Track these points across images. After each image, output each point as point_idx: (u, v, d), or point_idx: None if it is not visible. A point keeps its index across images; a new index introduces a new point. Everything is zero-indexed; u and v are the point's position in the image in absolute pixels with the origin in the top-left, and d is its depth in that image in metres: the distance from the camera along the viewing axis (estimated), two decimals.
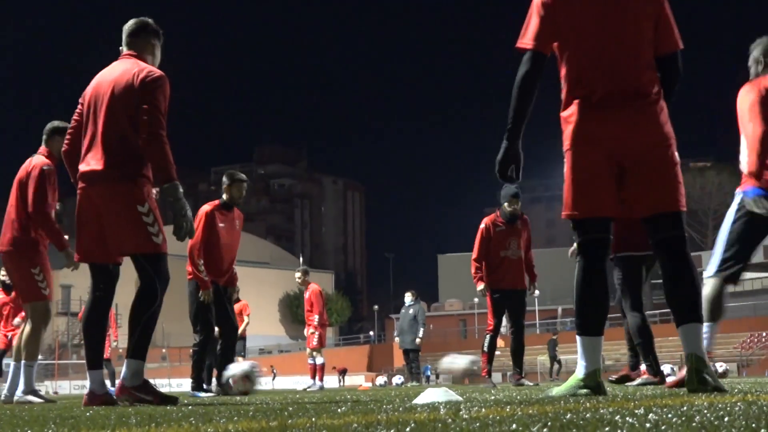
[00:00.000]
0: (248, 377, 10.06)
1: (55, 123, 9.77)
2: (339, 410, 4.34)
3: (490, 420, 3.05)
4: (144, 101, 6.51)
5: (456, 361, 12.83)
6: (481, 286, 13.19)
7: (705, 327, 7.51)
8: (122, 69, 6.72)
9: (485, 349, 13.26)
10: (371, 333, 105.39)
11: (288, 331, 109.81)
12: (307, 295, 19.73)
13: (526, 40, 5.41)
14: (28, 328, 9.65)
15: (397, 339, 23.79)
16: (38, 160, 9.56)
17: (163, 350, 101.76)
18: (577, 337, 5.43)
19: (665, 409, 3.35)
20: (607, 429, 2.52)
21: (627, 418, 2.89)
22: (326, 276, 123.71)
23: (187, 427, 3.23)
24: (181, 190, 6.59)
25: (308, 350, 20.34)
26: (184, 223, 6.58)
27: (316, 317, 19.73)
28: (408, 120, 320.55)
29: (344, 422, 3.21)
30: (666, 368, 23.58)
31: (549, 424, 2.75)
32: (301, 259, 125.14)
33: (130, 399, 6.45)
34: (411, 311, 23.06)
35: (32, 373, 9.71)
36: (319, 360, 20.20)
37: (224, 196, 11.71)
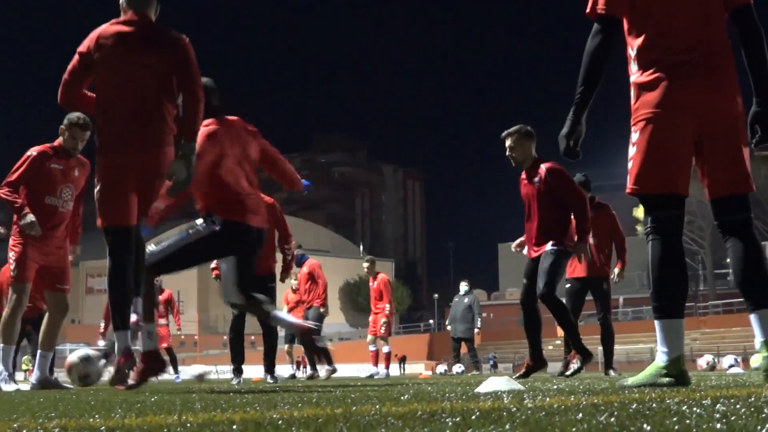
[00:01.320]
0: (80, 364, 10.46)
1: (74, 116, 9.77)
2: (402, 398, 4.35)
3: (555, 409, 3.04)
4: (184, 66, 6.55)
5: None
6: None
7: None
8: (148, 30, 6.65)
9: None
10: (431, 321, 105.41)
11: (348, 319, 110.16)
12: (374, 284, 19.85)
13: (599, 5, 5.20)
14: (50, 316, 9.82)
15: (449, 327, 23.75)
16: (36, 147, 9.66)
17: (224, 337, 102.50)
18: (657, 322, 5.15)
19: (732, 400, 3.31)
20: (675, 419, 2.49)
21: (695, 409, 2.86)
22: (386, 264, 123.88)
23: (253, 414, 3.24)
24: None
25: (370, 337, 20.40)
26: (190, 177, 6.50)
27: (387, 306, 19.86)
28: (469, 108, 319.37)
29: (409, 410, 3.21)
30: (729, 359, 23.41)
31: (615, 413, 2.73)
32: (361, 247, 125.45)
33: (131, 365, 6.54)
34: (466, 300, 23.02)
35: (9, 356, 9.74)
36: (387, 348, 20.30)
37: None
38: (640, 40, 5.19)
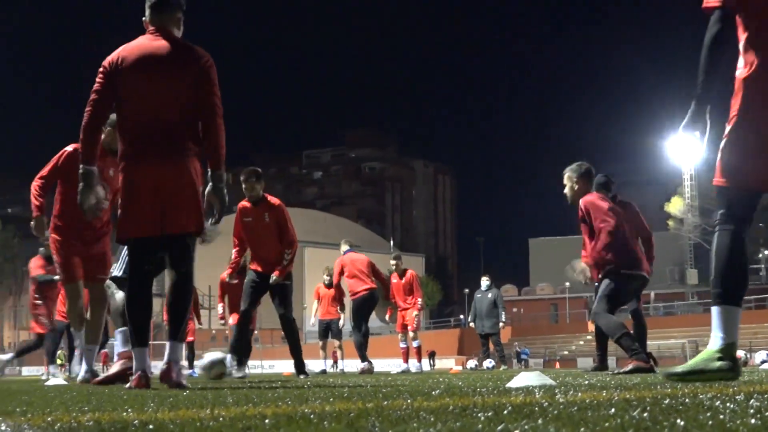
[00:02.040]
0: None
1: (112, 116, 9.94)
2: (434, 393, 4.35)
3: (588, 404, 3.03)
4: (206, 83, 6.55)
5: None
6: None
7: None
8: (169, 46, 6.63)
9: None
10: (461, 317, 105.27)
11: (377, 314, 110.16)
12: (403, 280, 19.85)
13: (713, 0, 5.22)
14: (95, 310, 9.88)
15: (472, 323, 23.70)
16: (74, 144, 9.72)
17: (255, 332, 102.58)
18: (714, 308, 5.14)
19: (766, 396, 3.29)
20: (708, 414, 2.48)
21: (728, 404, 2.84)
22: (417, 260, 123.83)
23: (285, 408, 3.25)
24: (225, 178, 6.64)
25: (401, 334, 20.42)
26: (223, 207, 6.63)
27: (420, 300, 19.93)
28: (499, 103, 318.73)
29: (440, 404, 3.21)
30: (762, 355, 23.28)
31: (648, 409, 2.72)
32: (391, 242, 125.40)
33: (177, 382, 6.49)
34: (490, 295, 22.99)
35: (92, 356, 9.86)
36: (417, 342, 20.34)
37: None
38: (746, 35, 5.18)
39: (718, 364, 5.06)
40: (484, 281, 23.31)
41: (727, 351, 5.08)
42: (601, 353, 13.13)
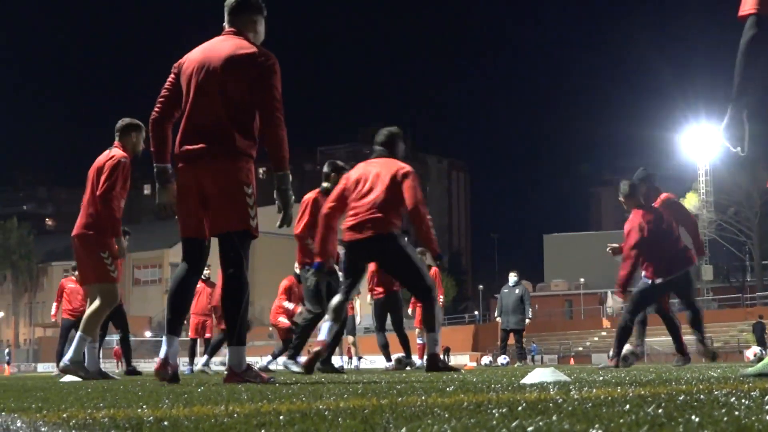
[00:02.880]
0: None
1: (127, 120, 10.23)
2: (448, 389, 4.34)
3: (602, 400, 3.03)
4: (264, 86, 6.48)
5: None
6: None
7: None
8: (233, 45, 6.63)
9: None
10: (476, 313, 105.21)
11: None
12: None
13: (748, 6, 5.23)
14: (93, 306, 9.97)
15: (498, 318, 23.63)
16: (117, 152, 9.99)
17: (271, 328, 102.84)
18: None
19: None
20: (723, 410, 2.47)
21: (743, 401, 2.84)
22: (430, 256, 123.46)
23: (299, 404, 3.26)
24: (290, 179, 6.61)
25: (418, 329, 20.42)
26: (290, 212, 6.62)
27: (442, 297, 19.98)
28: (514, 99, 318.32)
29: (455, 401, 3.21)
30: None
31: (663, 405, 2.71)
32: (405, 239, 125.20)
33: (239, 383, 6.47)
34: (517, 291, 22.92)
35: (82, 347, 9.98)
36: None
37: (325, 184, 12.01)
38: None
39: None
40: (512, 277, 23.26)
41: None
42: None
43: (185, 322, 7.32)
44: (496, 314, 24.08)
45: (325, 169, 12.11)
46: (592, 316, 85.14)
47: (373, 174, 9.52)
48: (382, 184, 9.39)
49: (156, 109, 6.81)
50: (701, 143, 75.58)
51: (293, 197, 6.63)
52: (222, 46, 6.68)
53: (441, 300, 19.83)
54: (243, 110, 6.54)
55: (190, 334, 20.86)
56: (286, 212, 6.60)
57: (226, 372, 6.63)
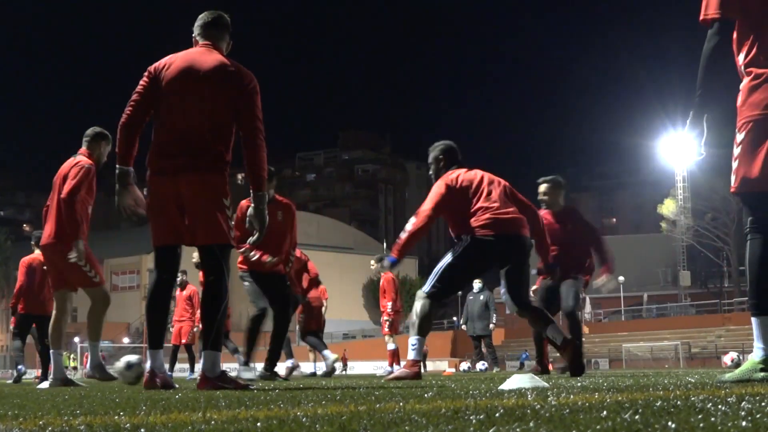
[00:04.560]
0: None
1: (98, 129, 10.18)
2: (426, 395, 4.35)
3: (580, 406, 3.03)
4: (248, 105, 6.56)
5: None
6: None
7: (414, 339, 8.96)
8: (218, 60, 6.67)
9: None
10: (455, 319, 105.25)
11: (372, 317, 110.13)
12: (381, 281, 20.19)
13: (711, 10, 5.27)
14: (55, 315, 10.04)
15: (464, 326, 23.81)
16: (83, 158, 9.97)
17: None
18: (754, 319, 5.20)
19: (758, 398, 3.30)
20: (700, 417, 2.48)
21: (720, 406, 2.85)
22: (410, 261, 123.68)
23: (276, 411, 3.25)
24: (267, 198, 6.72)
25: (387, 336, 20.53)
26: (264, 231, 6.69)
27: (389, 303, 20.11)
28: (492, 105, 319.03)
29: (433, 407, 3.21)
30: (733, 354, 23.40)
31: (640, 411, 2.72)
32: (384, 244, 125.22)
33: (213, 389, 6.50)
34: (482, 297, 23.05)
35: (96, 353, 10.12)
36: (392, 345, 20.38)
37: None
38: (748, 44, 5.24)
39: (761, 375, 5.11)
40: (476, 284, 23.36)
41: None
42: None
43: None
44: (461, 321, 24.25)
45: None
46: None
47: (487, 179, 9.42)
48: (501, 190, 9.36)
49: (127, 112, 6.75)
50: (679, 150, 75.90)
51: (267, 217, 6.71)
52: (206, 58, 6.69)
53: (389, 306, 19.98)
54: (224, 124, 6.58)
55: (171, 340, 20.83)
56: (261, 231, 6.69)
57: (198, 378, 6.66)
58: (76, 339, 68.53)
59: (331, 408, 3.32)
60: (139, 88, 6.77)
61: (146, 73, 6.79)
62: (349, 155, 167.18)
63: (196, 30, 6.95)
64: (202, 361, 6.69)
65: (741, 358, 25.93)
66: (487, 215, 8.98)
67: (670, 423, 2.31)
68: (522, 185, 10.50)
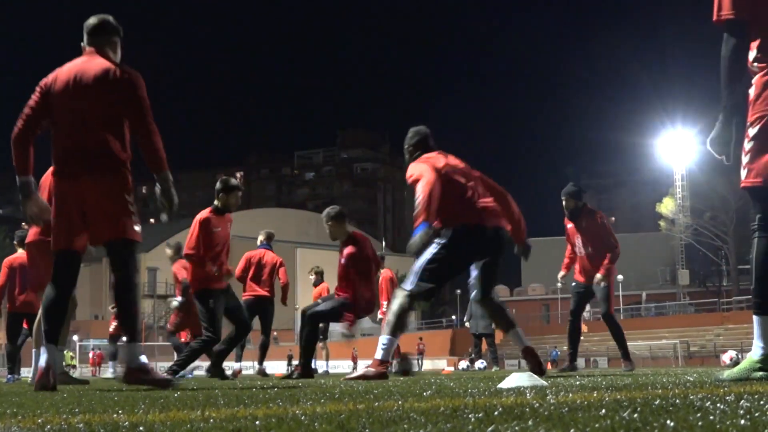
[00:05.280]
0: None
1: None
2: (425, 394, 4.35)
3: (578, 405, 3.03)
4: (132, 99, 6.79)
5: None
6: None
7: (385, 339, 8.50)
8: (100, 65, 6.89)
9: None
10: (453, 317, 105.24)
11: (370, 315, 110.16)
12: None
13: (725, 11, 5.23)
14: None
15: (467, 324, 23.76)
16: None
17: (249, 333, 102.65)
18: (756, 318, 5.18)
19: (756, 396, 3.29)
20: (698, 415, 2.48)
21: (718, 405, 2.85)
22: (409, 260, 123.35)
23: (275, 409, 3.25)
24: (171, 178, 6.88)
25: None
26: (173, 206, 6.90)
27: (385, 303, 20.22)
28: (491, 104, 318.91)
29: (431, 406, 3.21)
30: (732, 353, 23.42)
31: (639, 409, 2.72)
32: (383, 243, 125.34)
33: (133, 380, 6.70)
34: None
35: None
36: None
37: (217, 203, 11.69)
38: (761, 39, 5.21)
39: (759, 374, 5.11)
40: None
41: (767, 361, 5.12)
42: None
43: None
44: (465, 319, 24.18)
45: (217, 186, 11.74)
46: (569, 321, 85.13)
47: (466, 165, 9.17)
48: (480, 177, 9.13)
49: (18, 125, 7.00)
50: (678, 148, 75.94)
51: (176, 195, 6.93)
52: (89, 65, 6.94)
53: (384, 305, 20.10)
54: (115, 124, 6.85)
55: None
56: (170, 210, 6.92)
57: (124, 370, 6.89)
58: (75, 337, 68.60)
59: (330, 406, 3.32)
60: (30, 102, 7.06)
61: (37, 89, 7.08)
62: (348, 154, 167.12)
63: (84, 37, 7.19)
64: (127, 353, 6.88)
65: (740, 356, 25.92)
66: (473, 204, 8.66)
67: (668, 421, 2.30)
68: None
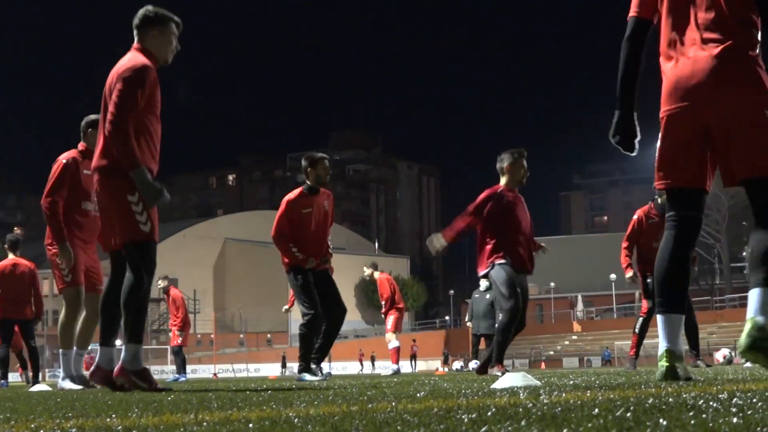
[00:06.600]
0: None
1: (91, 117, 9.68)
2: (418, 395, 4.35)
3: (572, 405, 3.03)
4: (113, 93, 6.75)
5: None
6: (629, 273, 14.21)
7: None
8: (122, 61, 6.94)
9: (636, 331, 14.09)
10: (447, 318, 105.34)
11: (364, 317, 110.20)
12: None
13: (631, 9, 5.33)
14: (65, 314, 9.78)
15: (469, 323, 23.75)
16: (66, 154, 9.71)
17: (241, 335, 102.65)
18: (658, 316, 5.23)
19: (749, 394, 3.30)
20: (691, 414, 2.49)
21: (711, 403, 2.85)
22: (402, 261, 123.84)
23: (269, 412, 3.25)
24: (147, 174, 6.70)
25: (387, 335, 20.63)
26: (160, 198, 6.75)
27: (383, 303, 20.36)
28: (484, 104, 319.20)
29: (425, 407, 3.21)
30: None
31: (632, 409, 2.72)
32: (376, 244, 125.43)
33: (127, 382, 6.67)
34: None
35: (69, 361, 9.78)
36: (395, 343, 20.38)
37: (308, 182, 11.29)
38: (665, 36, 5.26)
39: (659, 372, 5.20)
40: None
41: (669, 357, 5.17)
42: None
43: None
44: (466, 319, 24.18)
45: (303, 164, 11.41)
46: (562, 320, 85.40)
47: None
48: None
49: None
50: None
51: (156, 187, 6.74)
52: (121, 62, 6.98)
53: (383, 305, 20.32)
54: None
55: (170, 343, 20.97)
56: (150, 204, 6.80)
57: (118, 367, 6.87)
58: None
59: (323, 408, 3.31)
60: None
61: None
62: (340, 155, 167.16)
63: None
64: (123, 352, 6.85)
65: (733, 354, 25.97)
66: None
67: (661, 420, 2.31)
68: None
